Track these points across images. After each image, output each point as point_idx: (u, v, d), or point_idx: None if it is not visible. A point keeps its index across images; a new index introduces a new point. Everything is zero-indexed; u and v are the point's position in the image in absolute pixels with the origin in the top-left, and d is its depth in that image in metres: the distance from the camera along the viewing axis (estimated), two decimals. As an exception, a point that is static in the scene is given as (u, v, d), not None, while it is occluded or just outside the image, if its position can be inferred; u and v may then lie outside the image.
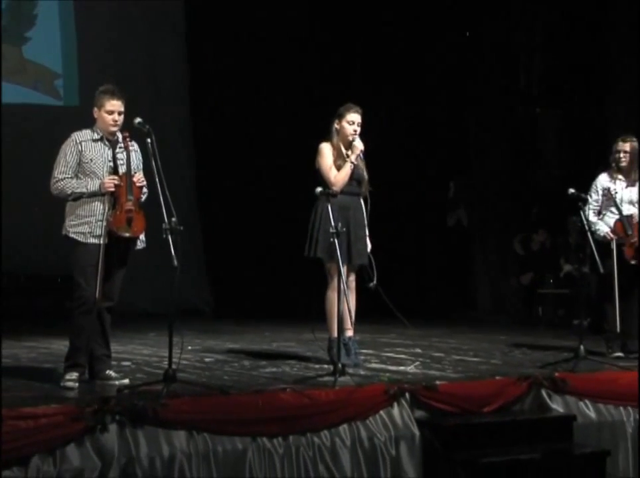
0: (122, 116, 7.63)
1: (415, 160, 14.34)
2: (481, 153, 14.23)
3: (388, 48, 14.44)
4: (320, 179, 8.54)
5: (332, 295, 8.36)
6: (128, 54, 13.82)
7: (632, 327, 9.57)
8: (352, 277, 8.69)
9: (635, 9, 12.02)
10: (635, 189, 9.52)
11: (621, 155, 9.54)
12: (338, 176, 8.56)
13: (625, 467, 8.06)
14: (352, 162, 8.56)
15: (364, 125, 8.73)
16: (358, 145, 8.60)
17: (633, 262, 9.37)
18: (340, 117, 8.65)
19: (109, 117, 7.61)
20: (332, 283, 8.40)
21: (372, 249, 8.76)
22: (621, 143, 9.59)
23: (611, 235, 9.38)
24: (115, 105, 7.62)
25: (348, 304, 8.23)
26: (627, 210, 9.44)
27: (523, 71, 14.73)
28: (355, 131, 8.61)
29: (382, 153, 9.32)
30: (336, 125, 8.66)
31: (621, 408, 8.24)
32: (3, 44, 13.89)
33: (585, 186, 9.53)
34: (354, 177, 8.63)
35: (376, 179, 8.94)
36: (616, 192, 9.46)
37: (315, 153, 8.71)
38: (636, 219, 9.42)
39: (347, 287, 8.49)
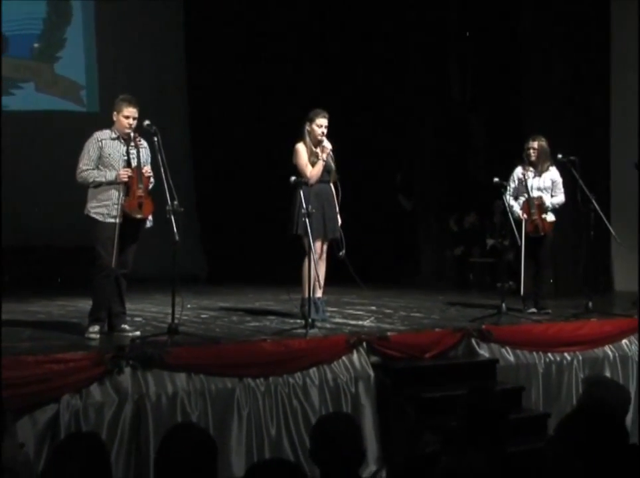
0: (136, 121, 7.65)
1: (370, 155, 14.30)
2: (422, 149, 14.21)
3: (346, 68, 14.37)
4: (297, 172, 8.56)
5: (307, 263, 8.37)
6: (136, 68, 13.80)
7: (542, 288, 9.66)
8: (325, 248, 8.73)
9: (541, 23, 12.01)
10: (543, 178, 9.60)
11: (531, 151, 9.61)
12: (312, 172, 8.55)
13: (537, 400, 8.14)
14: (323, 160, 8.57)
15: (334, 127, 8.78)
16: (327, 144, 8.60)
17: (533, 235, 9.43)
18: (311, 121, 8.63)
19: (125, 121, 7.62)
20: (307, 254, 8.43)
21: (341, 225, 8.78)
22: (531, 142, 9.65)
23: (523, 215, 9.45)
24: (132, 111, 7.63)
25: (317, 271, 8.29)
26: (536, 194, 9.52)
27: (456, 82, 14.72)
28: (323, 132, 8.61)
29: (344, 149, 9.27)
30: (307, 128, 8.64)
31: (534, 353, 8.31)
32: (40, 63, 14.05)
33: (506, 176, 9.59)
34: (324, 169, 8.65)
35: (341, 170, 8.98)
36: (527, 181, 9.53)
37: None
38: (540, 202, 9.49)
39: (320, 257, 8.56)
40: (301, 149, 8.62)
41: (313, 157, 8.58)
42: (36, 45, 14.02)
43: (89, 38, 14.20)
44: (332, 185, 8.77)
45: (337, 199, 8.74)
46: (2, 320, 6.88)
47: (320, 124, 8.59)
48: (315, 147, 8.61)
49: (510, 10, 12.99)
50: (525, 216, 9.41)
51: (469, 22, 14.24)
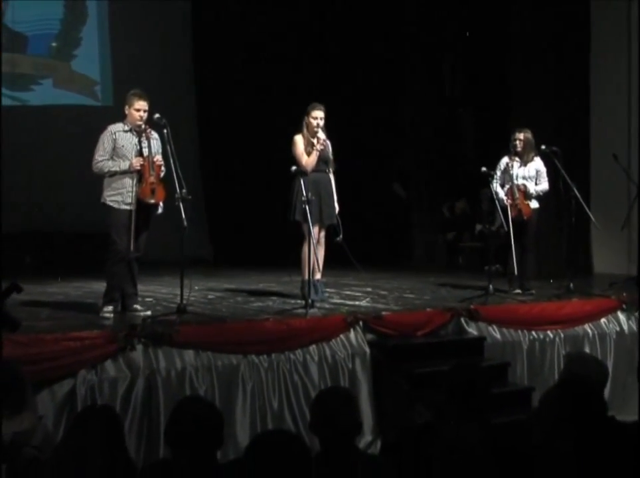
0: (146, 113, 7.64)
1: (368, 148, 14.28)
2: (417, 142, 14.21)
3: (348, 64, 14.34)
4: (295, 162, 8.56)
5: (306, 248, 8.36)
6: (147, 64, 13.76)
7: (527, 270, 9.66)
8: (323, 234, 8.72)
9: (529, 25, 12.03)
10: (528, 168, 9.59)
11: (517, 142, 9.59)
12: (308, 161, 8.56)
13: (521, 375, 8.15)
14: (317, 150, 8.57)
15: (327, 116, 8.75)
16: (321, 135, 8.59)
17: (516, 220, 9.40)
18: (307, 114, 8.63)
19: (137, 114, 7.62)
20: (306, 239, 8.41)
21: (339, 212, 8.77)
22: (517, 134, 9.63)
23: (507, 200, 9.44)
24: (142, 104, 7.63)
25: (317, 254, 8.29)
26: (521, 182, 9.51)
27: (448, 80, 14.72)
28: (318, 124, 8.60)
29: (344, 143, 9.25)
30: (305, 120, 8.66)
31: (519, 331, 8.32)
32: (57, 61, 14.04)
33: (493, 165, 9.58)
34: (322, 159, 8.63)
35: (342, 162, 8.98)
36: (513, 170, 9.51)
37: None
38: (524, 188, 9.48)
39: (318, 242, 8.56)
40: (298, 140, 8.62)
41: (309, 147, 8.57)
42: (54, 44, 14.01)
43: (104, 37, 14.20)
44: (330, 174, 8.77)
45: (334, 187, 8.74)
46: (22, 290, 6.89)
47: (316, 116, 8.58)
48: (312, 138, 8.60)
49: (499, 14, 12.99)
50: (509, 201, 9.41)
51: (461, 25, 14.21)
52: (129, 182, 7.54)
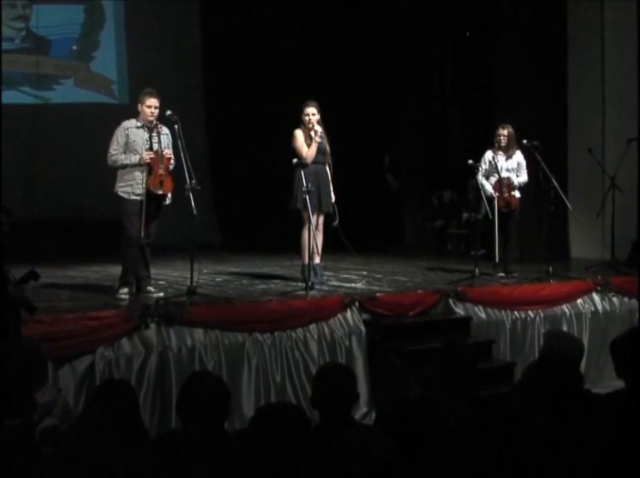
0: (157, 110, 7.61)
1: (363, 141, 14.25)
2: (408, 136, 14.17)
3: (346, 59, 14.30)
4: (296, 154, 8.54)
5: (306, 234, 8.34)
6: (160, 65, 13.72)
7: (509, 255, 9.65)
8: (321, 220, 8.70)
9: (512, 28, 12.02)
10: (511, 161, 9.56)
11: (501, 137, 9.55)
12: (307, 153, 8.52)
13: (505, 351, 8.16)
14: (315, 142, 8.54)
15: (326, 112, 8.72)
16: (317, 128, 8.55)
17: (504, 210, 9.41)
18: (302, 110, 8.61)
19: (148, 111, 7.58)
20: (306, 226, 8.38)
21: (336, 200, 8.74)
22: (501, 129, 9.59)
23: (494, 192, 9.42)
24: (153, 102, 7.60)
25: (316, 240, 8.28)
26: (505, 175, 9.48)
27: (436, 79, 14.67)
28: (310, 119, 8.52)
29: (341, 137, 9.22)
30: (302, 116, 8.64)
31: (503, 311, 8.34)
32: (77, 62, 14.05)
33: (479, 158, 9.56)
34: (319, 151, 8.61)
35: (339, 154, 8.95)
36: (498, 163, 9.49)
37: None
38: (509, 181, 9.46)
39: (317, 228, 8.54)
40: (298, 133, 8.58)
41: (308, 140, 8.55)
42: (74, 47, 14.03)
43: (120, 41, 14.21)
44: (327, 166, 8.74)
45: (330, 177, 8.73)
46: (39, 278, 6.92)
47: (308, 112, 8.55)
48: (310, 131, 8.57)
49: (485, 18, 12.97)
50: (497, 193, 9.39)
51: (449, 27, 14.16)
52: (139, 175, 7.52)
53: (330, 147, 8.76)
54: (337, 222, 8.50)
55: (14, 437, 3.74)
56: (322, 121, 8.64)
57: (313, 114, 8.56)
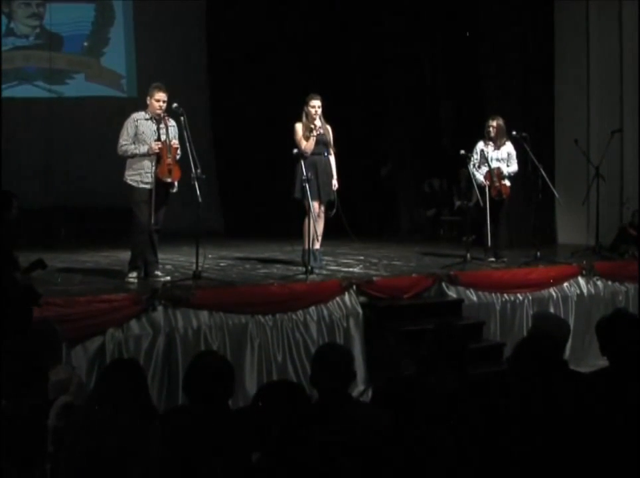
0: (165, 103, 7.58)
1: (360, 136, 14.21)
2: (402, 128, 14.16)
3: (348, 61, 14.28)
4: (296, 146, 8.50)
5: (306, 221, 8.33)
6: (166, 60, 13.70)
7: (499, 241, 9.64)
8: (323, 208, 8.65)
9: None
10: (500, 151, 9.53)
11: (491, 129, 9.50)
12: (306, 146, 8.45)
13: (495, 332, 8.16)
14: (314, 136, 8.47)
15: (329, 108, 8.69)
16: (317, 122, 8.49)
17: (496, 199, 9.40)
18: (306, 103, 8.52)
19: (156, 104, 7.55)
20: (307, 213, 8.39)
21: (337, 189, 8.69)
22: (491, 121, 9.54)
23: (485, 181, 9.40)
24: (162, 96, 7.56)
25: (316, 227, 8.27)
26: (495, 164, 9.45)
27: (428, 74, 14.64)
28: (316, 112, 8.50)
29: (340, 130, 9.16)
30: (305, 109, 8.58)
31: (493, 294, 8.33)
32: (88, 58, 14.07)
33: (470, 149, 9.53)
34: (321, 142, 8.54)
35: (339, 146, 8.93)
36: (488, 153, 9.47)
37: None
38: (499, 171, 9.44)
39: (318, 216, 8.51)
40: (298, 127, 8.52)
41: (307, 133, 8.50)
42: (85, 44, 14.04)
43: (129, 37, 14.22)
44: (331, 157, 8.70)
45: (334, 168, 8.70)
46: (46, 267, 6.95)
47: (314, 105, 8.48)
48: (311, 125, 8.52)
49: (473, 13, 12.90)
50: (488, 182, 9.36)
51: (440, 24, 14.12)
52: (147, 164, 7.49)
53: (334, 138, 8.71)
54: (334, 212, 8.48)
55: (31, 415, 3.76)
56: (322, 114, 8.58)
57: (319, 106, 8.50)
